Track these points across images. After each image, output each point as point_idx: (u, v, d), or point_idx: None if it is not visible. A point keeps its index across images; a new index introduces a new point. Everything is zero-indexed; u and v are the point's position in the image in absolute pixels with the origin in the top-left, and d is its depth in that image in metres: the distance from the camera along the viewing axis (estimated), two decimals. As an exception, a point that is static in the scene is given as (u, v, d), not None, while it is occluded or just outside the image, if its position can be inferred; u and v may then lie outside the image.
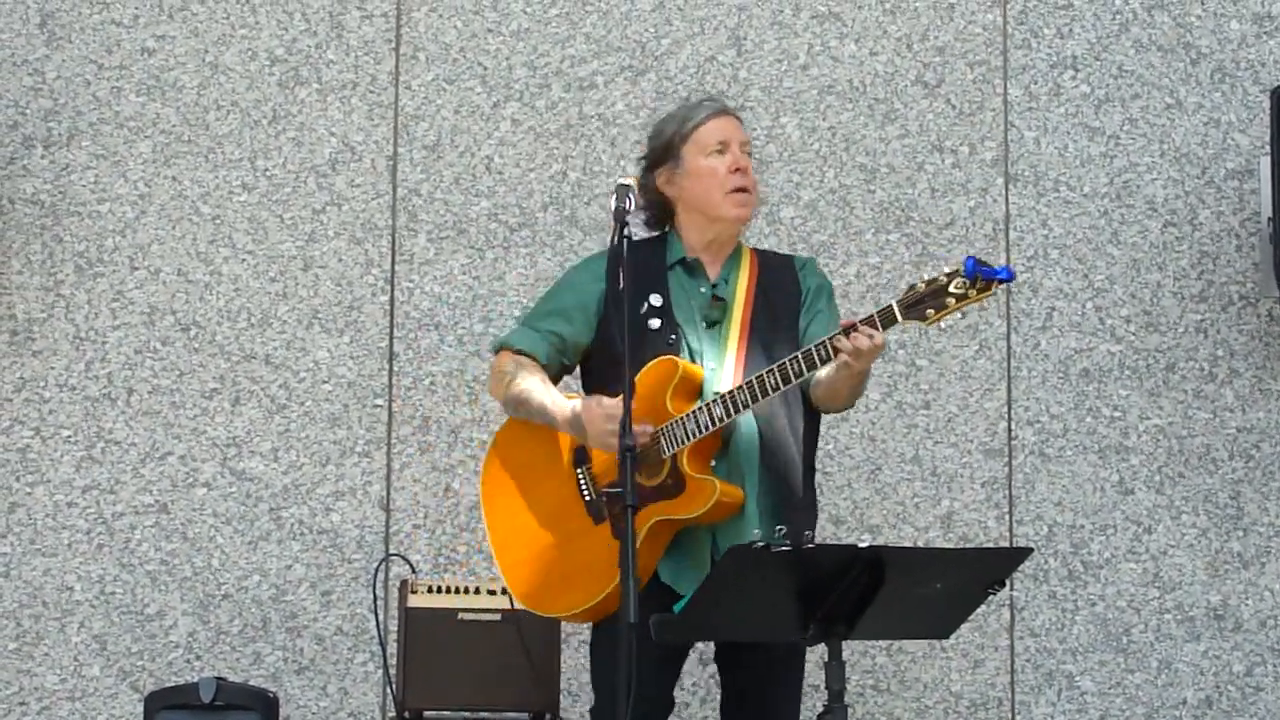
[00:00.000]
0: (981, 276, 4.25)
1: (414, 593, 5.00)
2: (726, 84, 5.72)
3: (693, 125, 4.69)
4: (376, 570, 5.39)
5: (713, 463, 4.52)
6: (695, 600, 4.03)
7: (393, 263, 5.69)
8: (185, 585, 5.55)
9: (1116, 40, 5.76)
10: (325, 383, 5.64)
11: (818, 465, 4.72)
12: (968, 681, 5.56)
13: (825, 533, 5.54)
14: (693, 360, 4.58)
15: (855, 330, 4.34)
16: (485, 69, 5.75)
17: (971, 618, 4.40)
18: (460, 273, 5.68)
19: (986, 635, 5.56)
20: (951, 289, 4.28)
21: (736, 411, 4.42)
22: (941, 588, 4.13)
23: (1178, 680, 5.55)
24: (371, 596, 5.43)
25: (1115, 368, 5.65)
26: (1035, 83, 5.75)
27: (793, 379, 4.39)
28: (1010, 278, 4.28)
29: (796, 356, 4.39)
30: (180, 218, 5.69)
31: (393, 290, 5.67)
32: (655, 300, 4.64)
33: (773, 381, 4.40)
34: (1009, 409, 5.64)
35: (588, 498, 4.60)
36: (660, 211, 4.75)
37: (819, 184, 5.70)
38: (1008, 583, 5.33)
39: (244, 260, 5.68)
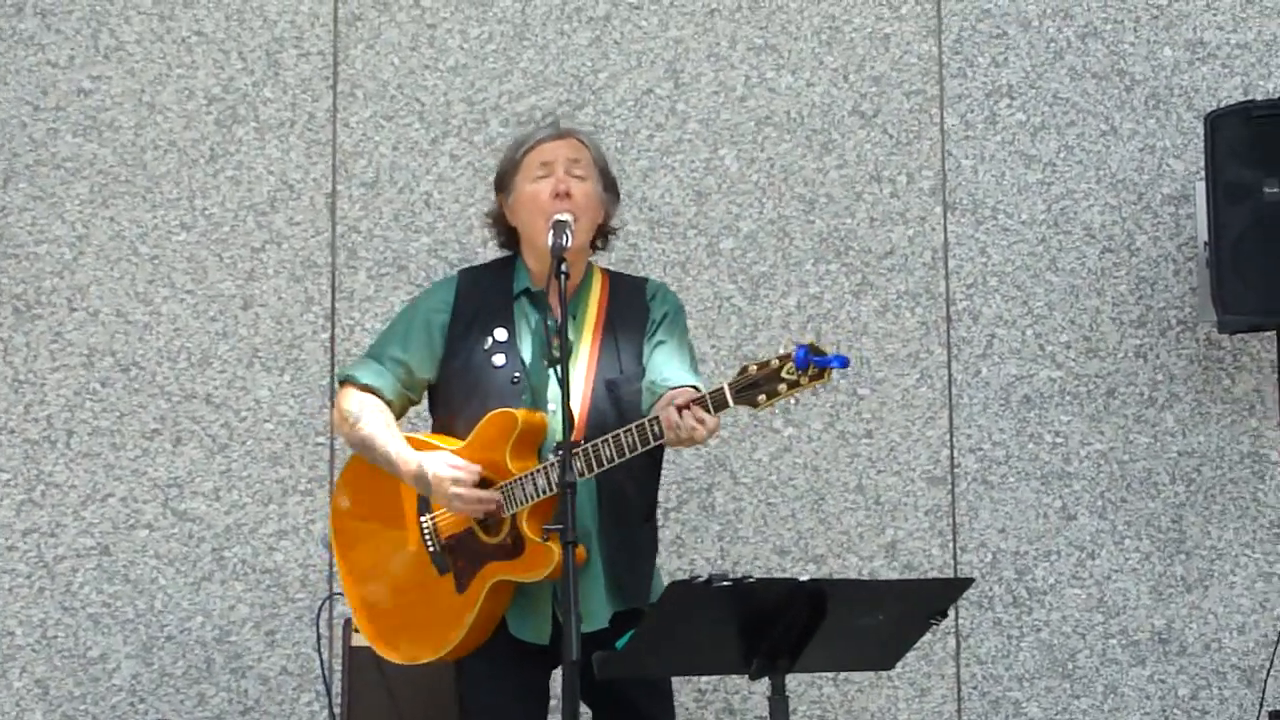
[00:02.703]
0: (814, 365, 4.14)
1: (357, 631, 4.96)
2: (664, 116, 5.73)
3: (522, 152, 4.57)
4: (320, 609, 5.37)
5: (554, 517, 4.31)
6: (638, 637, 4.02)
7: (333, 300, 5.67)
8: (128, 627, 5.52)
9: (1051, 68, 5.78)
10: (267, 421, 5.62)
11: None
12: (915, 710, 5.56)
13: (770, 564, 5.55)
14: (535, 401, 4.46)
15: (688, 410, 4.21)
16: (423, 105, 5.75)
17: (917, 645, 4.40)
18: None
19: (933, 663, 5.57)
20: (784, 374, 4.15)
21: (571, 479, 4.18)
22: (884, 619, 4.13)
23: (1124, 705, 5.57)
24: (315, 636, 5.41)
25: (1056, 394, 5.67)
26: (971, 111, 5.77)
27: (628, 453, 4.27)
28: (844, 365, 4.15)
29: (631, 430, 4.26)
30: (119, 258, 5.67)
31: (333, 328, 5.66)
32: (500, 335, 4.52)
33: (608, 453, 4.27)
34: (951, 437, 5.65)
35: (431, 549, 4.49)
36: (510, 238, 4.64)
37: (758, 215, 5.71)
38: (953, 610, 5.35)
39: (183, 300, 5.66)
